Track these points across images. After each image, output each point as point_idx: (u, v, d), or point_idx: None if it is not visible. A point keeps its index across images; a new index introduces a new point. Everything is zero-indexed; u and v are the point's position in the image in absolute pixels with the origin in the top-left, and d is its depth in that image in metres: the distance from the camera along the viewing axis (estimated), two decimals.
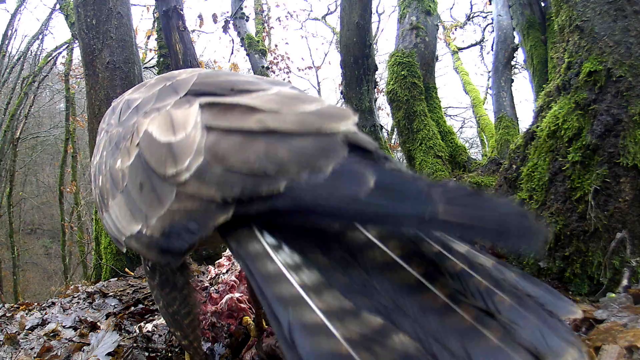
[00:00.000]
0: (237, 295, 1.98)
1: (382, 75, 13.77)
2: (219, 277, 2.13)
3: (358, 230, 0.76)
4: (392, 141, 14.95)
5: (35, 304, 3.09)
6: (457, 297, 0.64)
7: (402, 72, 5.92)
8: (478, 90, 14.43)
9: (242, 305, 1.94)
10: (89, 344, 2.10)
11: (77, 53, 12.37)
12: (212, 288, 2.06)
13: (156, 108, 1.09)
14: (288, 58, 14.22)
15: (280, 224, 0.80)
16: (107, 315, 2.63)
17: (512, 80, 8.56)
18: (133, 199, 1.00)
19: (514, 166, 2.60)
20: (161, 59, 6.83)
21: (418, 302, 0.64)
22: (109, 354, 1.97)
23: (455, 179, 4.46)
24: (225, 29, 10.55)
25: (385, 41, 24.86)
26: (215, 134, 0.90)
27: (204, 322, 1.88)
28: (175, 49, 5.57)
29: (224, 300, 1.95)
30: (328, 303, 0.65)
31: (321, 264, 0.72)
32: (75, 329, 2.39)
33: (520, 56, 8.49)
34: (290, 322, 0.63)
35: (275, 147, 0.82)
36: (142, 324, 2.30)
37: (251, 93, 1.01)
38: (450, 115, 19.41)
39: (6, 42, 13.64)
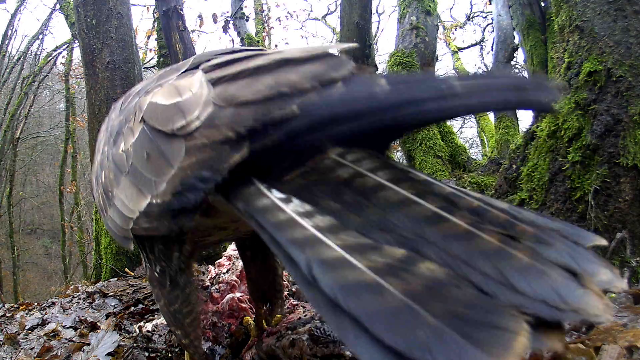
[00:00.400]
0: (238, 295, 1.98)
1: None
2: (219, 277, 2.13)
3: (367, 176, 0.74)
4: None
5: (35, 304, 3.09)
6: (479, 225, 0.61)
7: (402, 72, 5.92)
8: None
9: (243, 305, 1.94)
10: (89, 344, 2.10)
11: (77, 53, 12.38)
12: (213, 287, 2.06)
13: (158, 85, 1.08)
14: None
15: (288, 180, 0.78)
16: (107, 315, 2.63)
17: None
18: (140, 172, 0.98)
19: (514, 166, 2.60)
20: (161, 59, 6.84)
21: (440, 231, 0.61)
22: (109, 354, 1.97)
23: (455, 179, 4.47)
24: (225, 29, 10.55)
25: (385, 41, 24.90)
26: (222, 84, 0.90)
27: (204, 321, 1.88)
28: (175, 49, 5.57)
29: (225, 300, 1.95)
30: (346, 240, 0.63)
31: (333, 209, 0.70)
32: (75, 329, 2.39)
33: (520, 56, 8.50)
34: (308, 260, 0.61)
35: (284, 73, 0.83)
36: (142, 324, 2.30)
37: (252, 51, 1.02)
38: None
39: (6, 42, 13.64)
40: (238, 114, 0.81)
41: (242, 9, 10.77)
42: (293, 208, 0.72)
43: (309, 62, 0.85)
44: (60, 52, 13.40)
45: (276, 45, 14.75)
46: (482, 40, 16.29)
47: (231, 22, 10.64)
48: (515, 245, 0.57)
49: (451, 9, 21.62)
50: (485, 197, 0.70)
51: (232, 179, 0.81)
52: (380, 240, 0.62)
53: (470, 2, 18.04)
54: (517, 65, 10.59)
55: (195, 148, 0.85)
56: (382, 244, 0.61)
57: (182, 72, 1.07)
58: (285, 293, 2.08)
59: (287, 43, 27.47)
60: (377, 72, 0.86)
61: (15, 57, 14.34)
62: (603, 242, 0.62)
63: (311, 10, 21.31)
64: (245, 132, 0.79)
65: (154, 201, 0.94)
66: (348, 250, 0.60)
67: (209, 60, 1.03)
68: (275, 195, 0.76)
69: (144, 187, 0.97)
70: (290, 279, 2.26)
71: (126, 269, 4.27)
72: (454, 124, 19.19)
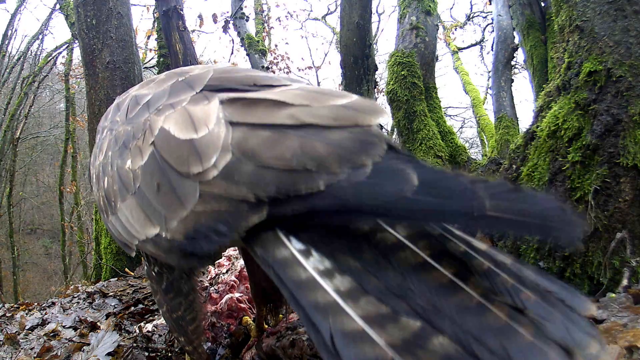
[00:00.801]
0: (237, 295, 1.98)
1: (382, 75, 13.77)
2: (218, 277, 2.13)
3: (387, 232, 0.74)
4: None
5: (35, 304, 3.09)
6: (490, 296, 0.64)
7: (402, 72, 5.92)
8: (478, 90, 14.44)
9: (242, 305, 1.94)
10: (89, 344, 2.10)
11: (77, 53, 12.38)
12: (212, 288, 2.06)
13: (170, 104, 1.02)
14: (288, 58, 14.22)
15: (307, 228, 0.76)
16: (107, 315, 2.63)
17: (512, 80, 8.56)
18: (148, 200, 0.95)
19: (514, 166, 2.60)
20: (161, 59, 6.83)
21: (454, 302, 0.64)
22: (109, 354, 1.97)
23: None
24: (225, 29, 10.55)
25: (385, 41, 24.86)
26: (242, 129, 0.85)
27: (203, 322, 1.88)
28: (175, 49, 5.57)
29: (223, 300, 1.95)
30: (366, 309, 0.64)
31: (353, 268, 0.70)
32: (75, 329, 2.39)
33: (520, 56, 8.50)
34: (331, 331, 0.63)
35: (311, 141, 0.77)
36: (142, 324, 2.30)
37: (274, 88, 0.96)
38: (450, 115, 19.41)
39: (6, 42, 13.64)
40: (261, 177, 0.77)
41: (242, 9, 10.76)
42: (313, 265, 0.72)
43: (338, 131, 0.79)
44: (60, 52, 13.41)
45: (276, 45, 14.75)
46: (482, 40, 16.30)
47: (231, 22, 10.63)
48: (520, 320, 0.62)
49: (451, 9, 21.60)
50: (491, 251, 0.73)
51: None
52: (398, 310, 0.64)
53: (470, 2, 18.04)
54: (517, 65, 10.60)
55: (211, 196, 0.83)
56: (400, 313, 0.63)
57: (196, 93, 1.00)
58: None
59: (287, 43, 27.49)
60: (407, 159, 0.82)
61: (15, 57, 14.34)
62: (593, 311, 0.67)
63: (311, 10, 21.28)
64: (266, 199, 0.77)
65: (164, 235, 0.92)
66: (368, 322, 0.62)
67: (226, 90, 0.97)
68: (295, 246, 0.75)
69: (153, 217, 0.94)
70: None
71: (126, 269, 4.27)
72: (454, 124, 19.23)
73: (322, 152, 0.76)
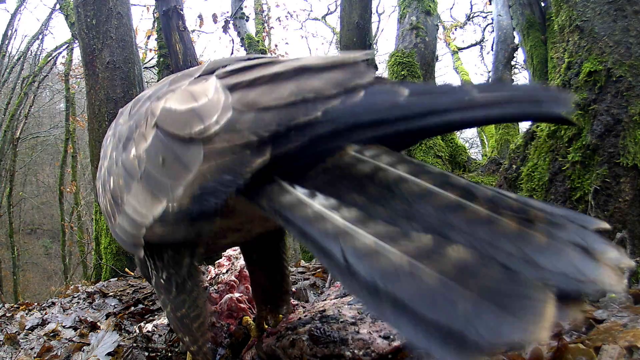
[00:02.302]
0: (237, 295, 1.98)
1: (382, 75, 13.78)
2: (218, 277, 2.13)
3: (388, 170, 0.75)
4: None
5: (35, 304, 3.09)
6: (498, 210, 0.65)
7: (402, 72, 5.93)
8: None
9: (242, 305, 1.94)
10: (89, 344, 2.10)
11: (77, 53, 12.38)
12: (212, 288, 2.06)
13: (170, 90, 1.07)
14: None
15: (310, 176, 0.79)
16: (107, 315, 2.63)
17: (512, 80, 8.56)
18: (154, 177, 0.98)
19: (514, 166, 2.60)
20: (161, 59, 6.83)
21: (463, 217, 0.65)
22: (109, 354, 1.97)
23: None
24: (225, 29, 10.55)
25: (385, 41, 24.92)
26: (240, 90, 0.90)
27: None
28: (175, 49, 5.57)
29: (223, 300, 1.95)
30: (376, 229, 0.66)
31: (358, 202, 0.73)
32: (75, 329, 2.39)
33: (520, 56, 8.50)
34: (343, 250, 0.64)
35: (306, 80, 0.84)
36: (142, 324, 2.30)
37: (266, 58, 1.02)
38: None
39: (6, 42, 13.65)
40: (261, 119, 0.82)
41: (242, 9, 10.77)
42: (319, 202, 0.74)
43: (329, 70, 0.86)
44: (60, 52, 13.41)
45: (276, 45, 14.76)
46: (482, 40, 16.31)
47: (231, 22, 10.64)
48: (532, 227, 0.61)
49: (451, 9, 21.65)
50: (496, 188, 0.75)
51: (252, 178, 0.82)
52: (409, 228, 0.65)
53: (470, 2, 18.07)
54: (517, 65, 10.60)
55: (215, 152, 0.86)
56: (410, 230, 0.64)
57: (194, 78, 1.06)
58: None
59: (287, 43, 27.51)
60: (396, 82, 0.88)
61: (15, 57, 14.35)
62: (606, 225, 0.66)
63: (311, 10, 21.31)
64: (269, 136, 0.80)
65: (170, 206, 0.94)
66: (380, 238, 0.64)
67: (223, 67, 1.03)
68: (299, 191, 0.78)
69: (159, 192, 0.96)
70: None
71: (126, 269, 4.27)
72: None
73: (317, 85, 0.83)
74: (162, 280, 1.27)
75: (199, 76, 1.06)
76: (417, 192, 0.70)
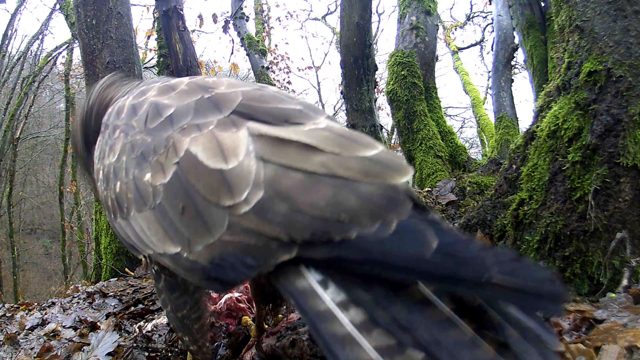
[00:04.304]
0: (236, 295, 1.98)
1: (382, 75, 13.78)
2: None
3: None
4: (392, 141, 14.94)
5: (35, 304, 3.09)
6: (482, 331, 0.74)
7: (402, 72, 5.92)
8: (478, 90, 14.43)
9: (241, 305, 1.94)
10: (89, 344, 2.10)
11: (77, 53, 12.37)
12: None
13: (196, 125, 1.02)
14: (288, 58, 14.21)
15: (324, 263, 0.82)
16: (107, 315, 2.63)
17: (512, 80, 8.56)
18: (170, 219, 0.96)
19: (514, 166, 2.60)
20: (161, 59, 6.82)
21: (452, 337, 0.72)
22: (109, 354, 1.97)
23: (455, 178, 4.47)
24: (225, 29, 10.55)
25: (385, 41, 24.90)
26: (273, 168, 0.88)
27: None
28: (175, 49, 5.57)
29: (222, 300, 1.95)
30: (377, 340, 0.73)
31: (365, 301, 0.77)
32: (75, 329, 2.39)
33: (520, 56, 8.50)
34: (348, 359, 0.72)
35: (343, 193, 0.83)
36: (142, 324, 2.30)
37: (303, 125, 0.98)
38: (450, 115, 19.41)
39: (6, 42, 13.64)
40: (295, 220, 0.82)
41: (242, 9, 10.76)
42: (331, 297, 0.79)
43: (368, 185, 0.84)
44: (60, 52, 13.40)
45: (276, 45, 14.75)
46: (482, 40, 16.30)
47: (231, 22, 10.64)
48: (505, 355, 0.72)
49: (451, 9, 21.63)
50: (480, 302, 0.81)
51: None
52: (405, 342, 0.72)
53: (470, 2, 18.03)
54: (517, 65, 10.60)
55: (241, 229, 0.86)
56: (406, 345, 0.72)
57: (224, 117, 1.01)
58: None
59: (287, 43, 27.50)
60: (428, 221, 0.81)
61: (15, 57, 14.34)
62: (561, 347, 0.80)
63: (311, 10, 21.30)
64: (300, 242, 0.82)
65: (185, 255, 0.94)
66: (380, 353, 0.71)
67: (256, 120, 0.98)
68: (314, 277, 0.82)
69: (175, 236, 0.96)
70: None
71: (126, 269, 4.27)
72: (454, 124, 19.22)
73: (354, 205, 0.81)
74: (163, 281, 1.27)
75: (229, 115, 1.01)
76: (417, 299, 0.77)
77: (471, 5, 16.73)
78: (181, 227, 0.94)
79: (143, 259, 1.36)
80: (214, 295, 2.00)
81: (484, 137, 13.19)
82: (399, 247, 0.77)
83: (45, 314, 2.66)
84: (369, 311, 0.76)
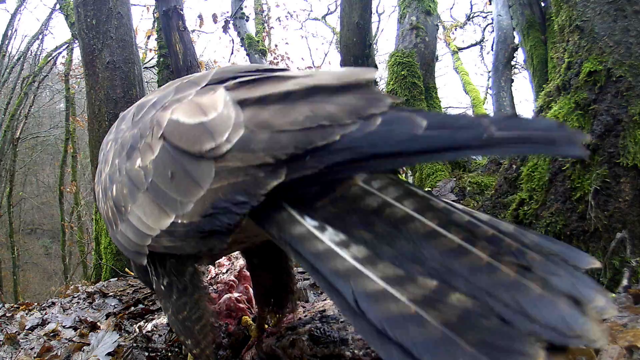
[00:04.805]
0: (235, 295, 1.97)
1: (382, 75, 13.77)
2: (218, 277, 2.13)
3: (395, 206, 0.78)
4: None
5: (35, 304, 3.09)
6: (498, 257, 0.68)
7: (402, 72, 5.93)
8: (478, 90, 14.43)
9: (241, 305, 1.94)
10: (89, 344, 2.10)
11: (77, 53, 12.38)
12: (211, 288, 2.06)
13: (176, 99, 1.05)
14: (288, 58, 14.21)
15: (319, 207, 0.80)
16: (107, 315, 2.63)
17: (512, 80, 8.57)
18: (162, 191, 0.97)
19: (514, 166, 2.60)
20: (161, 59, 6.83)
21: (465, 263, 0.68)
22: (109, 354, 1.97)
23: (455, 178, 4.48)
24: (225, 29, 10.55)
25: (385, 41, 24.87)
26: (251, 107, 0.89)
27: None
28: (175, 49, 5.57)
29: (222, 300, 1.95)
30: (384, 272, 0.69)
31: (366, 239, 0.74)
32: (75, 329, 2.39)
33: (520, 56, 8.50)
34: (354, 293, 0.67)
35: (320, 103, 0.83)
36: (142, 324, 2.30)
37: (276, 71, 1.01)
38: None
39: (6, 42, 13.64)
40: (277, 140, 0.81)
41: (242, 9, 10.76)
42: (329, 237, 0.76)
43: (343, 92, 0.85)
44: (60, 52, 13.40)
45: (276, 45, 14.74)
46: (482, 40, 16.29)
47: (231, 22, 10.63)
48: (529, 275, 0.65)
49: (451, 9, 21.61)
50: (494, 220, 0.78)
51: (262, 203, 0.83)
52: (414, 272, 0.68)
53: (470, 2, 18.05)
54: (517, 65, 10.59)
55: (227, 170, 0.85)
56: (416, 274, 0.67)
57: (201, 88, 1.04)
58: None
59: (287, 43, 27.49)
60: (412, 110, 0.79)
61: (15, 57, 14.34)
62: (597, 264, 0.71)
63: (311, 10, 21.29)
64: (285, 159, 0.80)
65: (179, 221, 0.94)
66: (388, 282, 0.67)
67: (232, 78, 1.01)
68: (309, 223, 0.79)
69: (167, 206, 0.96)
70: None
71: (126, 269, 4.27)
72: None
73: (333, 110, 0.81)
74: (162, 286, 1.26)
75: (206, 85, 1.04)
76: (422, 233, 0.73)
77: (471, 5, 16.77)
78: (172, 193, 0.94)
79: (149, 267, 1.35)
80: (214, 295, 2.00)
81: None
82: (389, 134, 0.75)
83: (45, 314, 2.66)
84: (372, 247, 0.73)
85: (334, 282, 0.70)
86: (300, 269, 2.87)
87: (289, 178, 0.80)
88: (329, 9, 17.56)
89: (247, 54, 10.73)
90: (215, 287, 2.05)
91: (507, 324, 0.61)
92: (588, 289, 0.64)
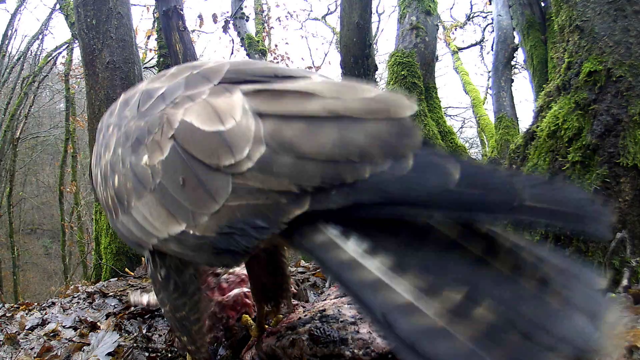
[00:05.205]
0: (245, 290, 1.95)
1: (382, 75, 13.77)
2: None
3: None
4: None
5: (35, 304, 3.09)
6: (518, 270, 0.69)
7: (402, 72, 5.93)
8: (478, 90, 14.44)
9: (248, 300, 1.92)
10: (89, 344, 2.10)
11: (77, 53, 12.38)
12: (223, 277, 2.00)
13: (187, 96, 0.97)
14: (288, 58, 14.21)
15: (343, 216, 0.77)
16: (107, 315, 2.63)
17: (512, 80, 8.57)
18: (171, 196, 0.91)
19: (514, 166, 2.60)
20: (161, 59, 6.83)
21: (489, 275, 0.68)
22: (109, 354, 1.97)
23: None
24: (225, 29, 10.54)
25: (385, 41, 24.83)
26: (273, 121, 0.83)
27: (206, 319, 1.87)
28: (175, 49, 5.57)
29: (232, 293, 1.92)
30: (409, 284, 0.68)
31: (390, 248, 0.72)
32: (75, 329, 2.39)
33: (520, 56, 8.50)
34: (382, 306, 0.66)
35: (349, 132, 0.77)
36: (142, 324, 2.30)
37: (297, 79, 0.93)
38: (450, 115, 19.39)
39: (6, 42, 13.64)
40: (303, 168, 0.77)
41: (242, 9, 10.76)
42: (354, 247, 0.73)
43: (373, 121, 0.78)
44: (60, 52, 13.40)
45: (276, 45, 14.74)
46: (482, 40, 16.29)
47: (231, 22, 10.63)
48: (547, 291, 0.66)
49: (451, 9, 21.58)
50: (510, 234, 0.76)
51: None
52: (438, 284, 0.67)
53: (470, 2, 18.02)
54: (517, 65, 10.59)
55: (246, 190, 0.81)
56: (441, 287, 0.67)
57: (215, 85, 0.96)
58: None
59: (287, 43, 27.49)
60: (444, 154, 0.77)
61: (15, 57, 14.33)
62: (603, 285, 0.72)
63: (311, 10, 21.28)
64: (311, 190, 0.76)
65: (191, 232, 0.89)
66: (415, 295, 0.66)
67: (249, 82, 0.94)
68: (332, 232, 0.76)
69: (178, 213, 0.91)
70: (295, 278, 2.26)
71: (126, 269, 4.27)
72: (454, 124, 19.22)
73: (363, 143, 0.75)
74: (159, 276, 1.24)
75: (220, 83, 0.97)
76: (444, 243, 0.72)
77: (471, 5, 16.74)
78: (184, 202, 0.89)
79: (143, 259, 1.35)
80: (224, 285, 1.95)
81: (484, 137, 13.19)
82: (419, 181, 0.71)
83: (45, 314, 2.66)
84: (397, 257, 0.71)
85: (360, 293, 0.69)
86: (300, 270, 2.87)
87: (311, 209, 0.77)
88: (329, 9, 17.57)
89: (247, 54, 10.72)
90: (226, 276, 2.00)
91: (529, 338, 0.61)
92: (601, 304, 0.66)
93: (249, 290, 1.96)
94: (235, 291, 1.93)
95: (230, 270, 2.03)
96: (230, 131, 0.85)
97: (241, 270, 2.05)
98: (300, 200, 0.77)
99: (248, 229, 0.82)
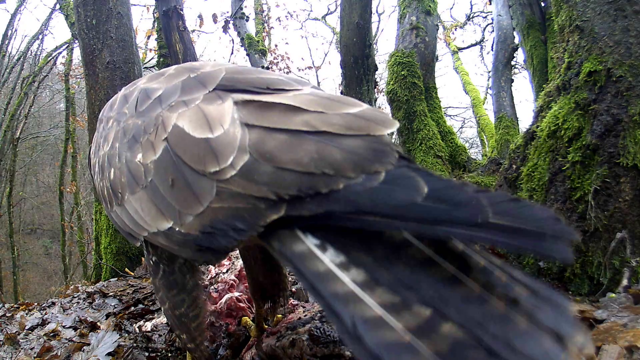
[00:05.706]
0: (236, 294, 1.98)
1: (382, 75, 13.76)
2: (218, 276, 2.13)
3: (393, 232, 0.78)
4: (392, 141, 14.91)
5: (35, 304, 3.09)
6: (489, 288, 0.70)
7: (402, 72, 5.93)
8: (478, 90, 14.44)
9: (242, 304, 1.94)
10: (89, 344, 2.10)
11: (77, 53, 12.38)
12: (212, 287, 2.06)
13: (183, 101, 1.04)
14: (288, 58, 14.21)
15: (321, 226, 0.81)
16: (107, 315, 2.63)
17: (512, 80, 8.56)
18: (161, 195, 0.98)
19: (514, 166, 2.60)
20: (161, 59, 6.84)
21: (458, 293, 0.70)
22: (109, 354, 1.97)
23: (455, 178, 4.48)
24: (225, 29, 10.54)
25: (385, 41, 24.86)
26: (258, 131, 0.89)
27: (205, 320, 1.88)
28: (175, 49, 5.57)
29: (223, 300, 1.95)
30: (381, 298, 0.70)
31: (365, 262, 0.75)
32: (75, 329, 2.39)
33: (520, 56, 8.50)
34: (353, 318, 0.68)
35: (327, 147, 0.82)
36: (142, 324, 2.30)
37: (287, 92, 0.99)
38: (450, 115, 19.40)
39: (6, 42, 13.64)
40: (281, 178, 0.82)
41: (242, 9, 10.76)
42: (330, 258, 0.77)
43: (352, 138, 0.83)
44: (60, 52, 13.39)
45: (276, 45, 14.74)
46: (482, 40, 16.29)
47: (231, 22, 10.63)
48: (516, 310, 0.68)
49: (451, 9, 21.62)
50: (485, 253, 0.78)
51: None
52: (409, 299, 0.69)
53: (470, 2, 18.03)
54: (517, 65, 10.60)
55: (229, 193, 0.86)
56: (411, 302, 0.69)
57: (209, 92, 1.03)
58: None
59: (287, 43, 27.49)
60: (416, 168, 0.83)
61: (15, 57, 14.33)
62: (574, 308, 0.74)
63: (311, 10, 21.30)
64: (287, 198, 0.81)
65: (177, 229, 0.95)
66: (385, 309, 0.68)
67: (242, 91, 0.99)
68: (311, 242, 0.80)
69: (166, 211, 0.98)
70: (293, 278, 2.26)
71: (126, 269, 4.27)
72: (454, 124, 19.22)
73: (339, 159, 0.81)
74: (151, 262, 1.28)
75: (214, 90, 1.02)
76: (419, 259, 0.74)
77: (471, 5, 16.74)
78: (172, 201, 0.96)
79: (143, 259, 1.37)
80: (214, 294, 2.00)
81: (484, 137, 13.19)
82: (389, 194, 0.76)
83: (45, 314, 2.66)
84: (371, 271, 0.74)
85: (333, 305, 0.71)
86: None
87: (287, 214, 0.81)
88: (329, 9, 17.58)
89: (247, 54, 10.73)
90: (215, 286, 2.05)
91: (494, 356, 0.63)
92: (569, 325, 0.67)
93: (240, 294, 1.98)
94: (226, 297, 1.95)
95: (219, 279, 2.08)
96: (217, 139, 0.91)
97: (228, 276, 2.07)
98: (277, 206, 0.82)
99: (228, 230, 0.87)
